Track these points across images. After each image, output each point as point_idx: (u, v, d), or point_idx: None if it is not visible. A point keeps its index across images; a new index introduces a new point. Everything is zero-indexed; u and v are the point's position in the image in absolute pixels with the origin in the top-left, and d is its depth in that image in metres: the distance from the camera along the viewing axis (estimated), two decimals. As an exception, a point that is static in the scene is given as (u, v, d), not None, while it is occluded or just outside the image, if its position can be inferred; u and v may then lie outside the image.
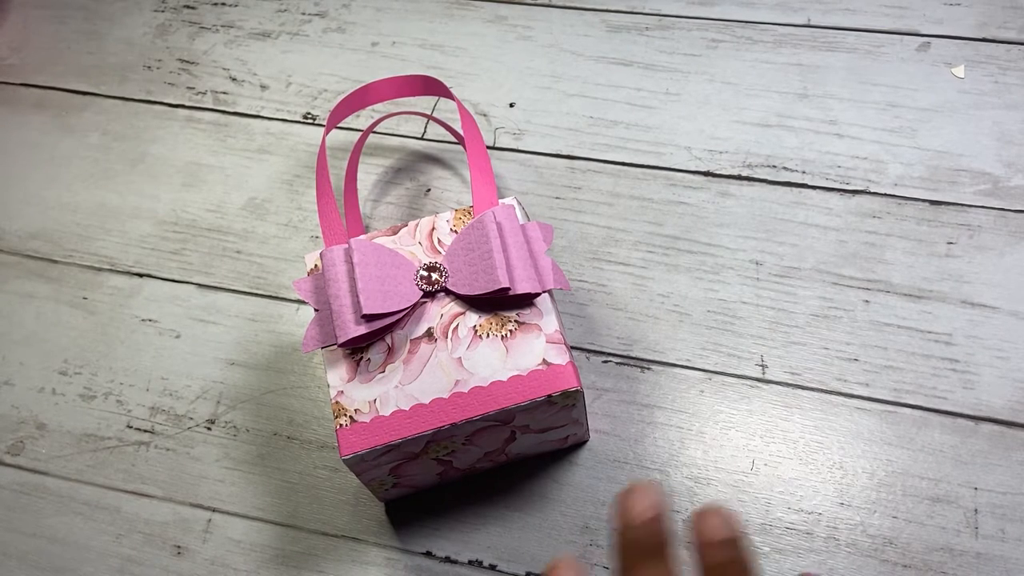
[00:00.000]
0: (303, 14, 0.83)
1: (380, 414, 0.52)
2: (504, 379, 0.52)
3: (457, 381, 0.52)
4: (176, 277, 0.70)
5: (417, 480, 0.57)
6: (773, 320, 0.63)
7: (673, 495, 0.58)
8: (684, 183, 0.69)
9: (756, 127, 0.71)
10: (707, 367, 0.62)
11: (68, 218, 0.74)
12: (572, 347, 0.63)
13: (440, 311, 0.54)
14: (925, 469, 0.57)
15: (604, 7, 0.79)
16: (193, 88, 0.80)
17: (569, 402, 0.53)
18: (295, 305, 0.68)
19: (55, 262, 0.72)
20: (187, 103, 0.79)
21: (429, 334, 0.53)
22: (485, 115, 0.74)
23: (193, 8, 0.85)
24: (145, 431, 0.64)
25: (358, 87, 0.67)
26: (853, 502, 0.56)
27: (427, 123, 0.75)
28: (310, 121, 0.76)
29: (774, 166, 0.69)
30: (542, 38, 0.78)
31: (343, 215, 0.67)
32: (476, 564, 0.57)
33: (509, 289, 0.53)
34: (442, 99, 0.75)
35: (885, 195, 0.67)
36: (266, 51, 0.81)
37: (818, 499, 0.57)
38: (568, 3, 0.80)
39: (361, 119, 0.76)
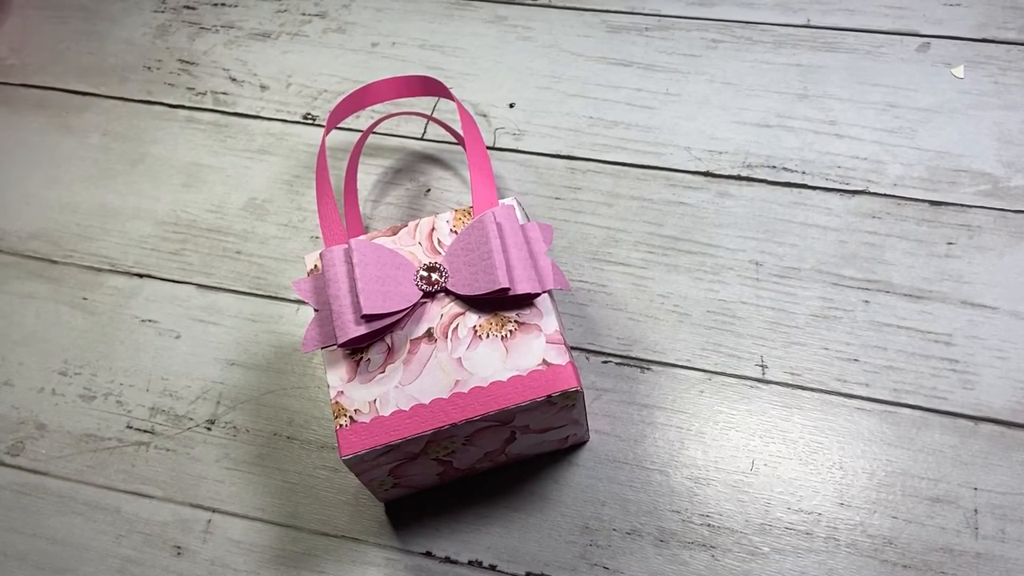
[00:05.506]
0: (303, 14, 0.83)
1: (380, 414, 0.52)
2: (504, 379, 0.52)
3: (457, 381, 0.52)
4: (176, 277, 0.70)
5: (417, 480, 0.57)
6: (773, 320, 0.63)
7: (673, 495, 0.58)
8: (684, 183, 0.69)
9: (756, 127, 0.71)
10: (707, 367, 0.62)
11: (68, 218, 0.74)
12: (572, 347, 0.63)
13: (440, 311, 0.54)
14: (925, 469, 0.57)
15: (604, 7, 0.79)
16: (193, 88, 0.80)
17: (569, 402, 0.53)
18: (295, 305, 0.68)
19: (55, 262, 0.72)
20: (187, 103, 0.79)
21: (429, 334, 0.53)
22: (485, 115, 0.74)
23: (193, 8, 0.85)
24: (145, 431, 0.64)
25: (358, 87, 0.67)
26: (853, 502, 0.56)
27: (427, 123, 0.75)
28: (310, 121, 0.76)
29: (774, 166, 0.69)
30: (542, 38, 0.78)
31: (343, 215, 0.67)
32: (476, 564, 0.57)
33: (509, 289, 0.53)
34: (442, 99, 0.75)
35: (885, 195, 0.67)
36: (266, 51, 0.81)
37: (818, 499, 0.57)
38: (568, 3, 0.80)
39: (361, 119, 0.76)
